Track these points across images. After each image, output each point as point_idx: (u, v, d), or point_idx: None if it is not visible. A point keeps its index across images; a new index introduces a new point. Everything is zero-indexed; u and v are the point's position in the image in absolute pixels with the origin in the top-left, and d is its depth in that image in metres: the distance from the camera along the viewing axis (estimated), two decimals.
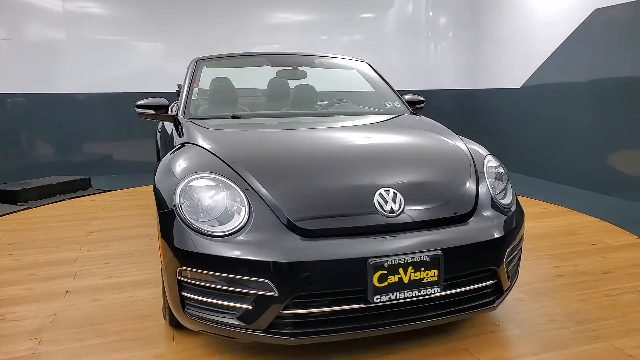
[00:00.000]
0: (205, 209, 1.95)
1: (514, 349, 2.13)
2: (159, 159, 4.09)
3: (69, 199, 5.45)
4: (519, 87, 6.62)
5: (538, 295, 2.67)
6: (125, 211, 4.75)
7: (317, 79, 3.37)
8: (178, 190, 2.01)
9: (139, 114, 3.04)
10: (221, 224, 1.91)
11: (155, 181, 2.23)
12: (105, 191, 5.86)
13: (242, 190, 1.95)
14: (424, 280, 1.87)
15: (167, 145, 3.12)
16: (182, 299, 1.95)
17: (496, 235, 2.04)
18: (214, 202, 1.95)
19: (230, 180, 1.99)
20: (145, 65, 6.97)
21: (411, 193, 2.02)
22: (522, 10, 6.56)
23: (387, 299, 1.84)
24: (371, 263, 1.80)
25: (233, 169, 2.06)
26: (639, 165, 5.01)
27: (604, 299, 2.62)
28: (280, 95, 3.31)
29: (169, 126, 3.19)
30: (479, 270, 2.01)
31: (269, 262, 1.78)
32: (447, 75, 7.90)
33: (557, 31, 5.88)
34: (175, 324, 2.28)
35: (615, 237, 3.69)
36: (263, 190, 1.95)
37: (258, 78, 3.58)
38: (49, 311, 2.57)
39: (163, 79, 6.51)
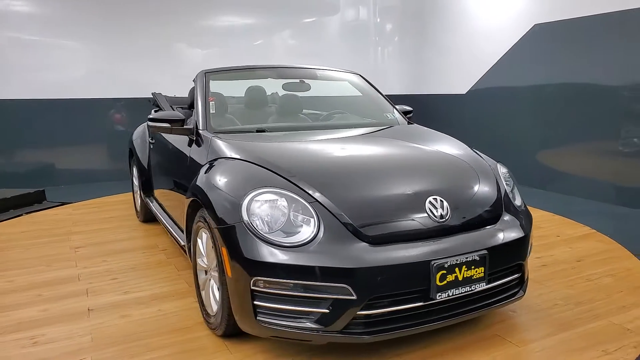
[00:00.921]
0: (273, 222, 2.07)
1: (536, 331, 2.44)
2: (140, 169, 4.05)
3: (26, 213, 5.15)
4: (464, 92, 7.17)
5: (533, 284, 3.03)
6: (100, 224, 4.60)
7: (318, 90, 3.54)
8: (244, 206, 2.11)
9: (152, 127, 3.04)
10: (288, 235, 2.04)
11: (208, 197, 2.29)
12: (63, 204, 5.58)
13: (309, 203, 2.09)
14: (474, 277, 2.12)
15: (176, 158, 3.14)
16: (254, 308, 2.05)
17: (523, 233, 2.34)
18: (281, 215, 2.07)
19: (294, 193, 2.12)
20: (79, 69, 6.65)
21: (453, 199, 2.27)
22: (466, 23, 7.10)
23: (446, 296, 2.07)
24: (434, 265, 2.02)
25: (292, 183, 2.19)
26: (572, 163, 5.68)
27: (587, 283, 3.04)
28: (290, 107, 3.44)
29: (178, 139, 3.20)
30: (511, 264, 2.30)
31: (349, 268, 1.94)
32: (394, 81, 8.32)
33: (500, 43, 6.46)
34: (228, 334, 2.35)
35: (573, 229, 4.21)
36: (327, 201, 2.10)
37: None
38: (81, 331, 2.53)
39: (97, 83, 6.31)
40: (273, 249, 2.01)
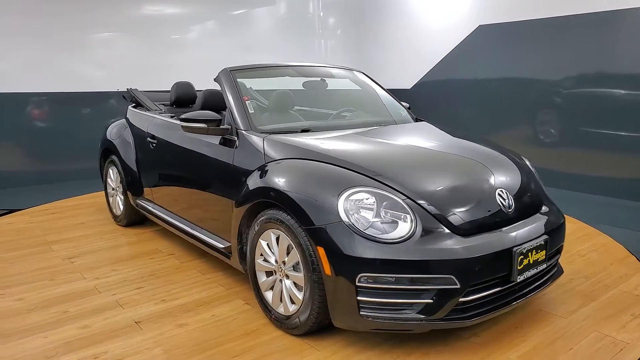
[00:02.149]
0: (370, 219, 2.15)
1: (571, 303, 2.77)
2: (125, 169, 3.86)
3: None
4: (409, 87, 7.58)
5: None
6: (76, 231, 4.26)
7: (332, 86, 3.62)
8: (341, 205, 2.16)
9: (185, 128, 2.93)
10: (386, 231, 2.14)
11: (291, 198, 2.30)
12: (11, 211, 5.05)
13: (402, 200, 2.20)
14: (539, 259, 2.38)
15: (205, 160, 3.04)
16: (358, 303, 2.12)
17: (564, 218, 2.66)
18: (377, 213, 2.16)
19: (386, 191, 2.22)
20: None
21: (513, 190, 2.50)
22: (411, 21, 7.49)
23: (523, 278, 2.30)
24: (516, 251, 2.23)
25: (379, 181, 2.27)
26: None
27: (582, 259, 3.48)
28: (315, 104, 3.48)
29: (198, 140, 3.09)
30: (558, 246, 2.60)
31: (454, 259, 2.09)
32: None
33: (446, 41, 6.92)
34: (310, 332, 2.38)
35: None
36: (417, 197, 2.23)
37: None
38: (146, 344, 2.41)
39: None
40: (377, 246, 2.09)
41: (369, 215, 2.16)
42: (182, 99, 4.31)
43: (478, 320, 2.19)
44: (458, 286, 2.09)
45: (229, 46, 7.37)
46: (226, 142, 2.91)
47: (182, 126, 2.96)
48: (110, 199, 4.50)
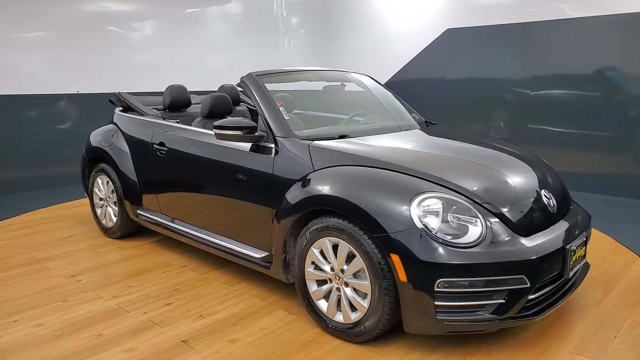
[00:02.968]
0: (443, 224, 2.19)
1: (595, 293, 2.96)
2: (121, 178, 3.74)
3: None
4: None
5: None
6: (66, 247, 3.96)
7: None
8: (414, 212, 2.19)
9: (219, 135, 2.83)
10: (458, 236, 2.19)
11: (357, 206, 2.29)
12: None
13: (471, 204, 2.26)
14: (581, 255, 2.54)
15: (233, 168, 2.95)
16: (435, 308, 2.16)
17: (591, 215, 2.84)
18: (449, 218, 2.21)
19: (454, 196, 2.27)
20: None
21: (552, 191, 2.64)
22: (377, 23, 7.62)
23: (572, 273, 2.44)
24: (569, 248, 2.37)
25: (444, 186, 2.32)
26: None
27: None
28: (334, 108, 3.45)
29: (230, 148, 2.98)
30: (588, 241, 2.78)
31: (524, 260, 2.17)
32: None
33: (414, 44, 7.11)
34: (374, 338, 2.39)
35: None
36: (483, 201, 2.29)
37: None
38: None
39: None
40: (454, 251, 2.14)
41: (441, 221, 2.20)
42: (177, 103, 4.14)
43: (544, 315, 2.29)
44: (528, 285, 2.18)
45: (184, 46, 7.05)
46: (261, 150, 2.84)
47: (216, 134, 2.85)
48: (99, 210, 4.22)
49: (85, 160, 4.24)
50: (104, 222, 4.19)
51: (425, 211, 2.20)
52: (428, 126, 3.53)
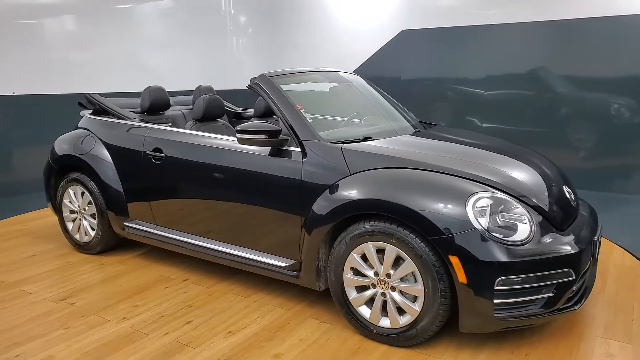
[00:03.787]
0: (497, 223, 2.23)
1: (614, 285, 3.18)
2: (103, 187, 3.47)
3: None
4: (327, 89, 7.71)
5: None
6: (36, 267, 3.56)
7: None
8: (470, 212, 2.21)
9: (243, 139, 2.68)
10: (510, 234, 2.24)
11: (409, 209, 2.27)
12: None
13: (518, 203, 2.32)
14: (599, 244, 2.71)
15: (252, 175, 2.81)
16: (494, 306, 2.19)
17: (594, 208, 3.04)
18: (501, 216, 2.26)
19: (502, 195, 2.32)
20: None
21: (570, 186, 2.79)
22: (329, 24, 7.63)
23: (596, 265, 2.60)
24: (596, 240, 2.51)
25: (491, 186, 2.36)
26: None
27: None
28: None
29: (246, 153, 2.84)
30: None
31: (573, 253, 2.27)
32: (251, 73, 8.29)
33: (369, 44, 7.21)
34: (423, 341, 2.39)
35: None
36: (527, 198, 2.37)
37: None
38: None
39: None
40: (510, 249, 2.19)
41: (494, 220, 2.24)
42: (156, 105, 3.87)
43: (582, 305, 2.41)
44: (573, 277, 2.28)
45: (124, 44, 6.60)
46: (283, 154, 2.72)
47: (239, 138, 2.70)
48: (70, 224, 3.84)
49: (52, 169, 3.84)
50: (77, 237, 3.82)
51: (480, 211, 2.23)
52: (426, 128, 3.58)
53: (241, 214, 2.91)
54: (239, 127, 2.70)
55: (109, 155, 3.54)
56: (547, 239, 2.29)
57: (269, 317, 2.76)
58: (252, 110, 4.52)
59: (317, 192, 2.59)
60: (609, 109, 5.51)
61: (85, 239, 3.76)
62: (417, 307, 2.34)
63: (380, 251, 2.42)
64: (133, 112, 3.86)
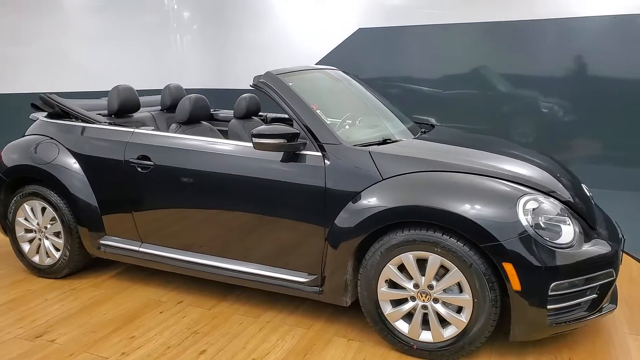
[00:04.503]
0: (545, 226, 2.15)
1: None
2: (71, 201, 3.04)
3: None
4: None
5: None
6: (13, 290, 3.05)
7: None
8: (522, 217, 2.11)
9: (260, 144, 2.42)
10: (556, 237, 2.17)
11: (458, 215, 2.13)
12: None
13: (560, 204, 2.26)
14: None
15: (275, 184, 2.54)
16: (547, 312, 2.11)
17: None
18: (546, 219, 2.18)
19: (545, 197, 2.24)
20: None
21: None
22: (282, 22, 7.38)
23: None
24: (622, 237, 2.52)
25: (532, 187, 2.28)
26: None
27: None
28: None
29: (258, 159, 2.57)
30: None
31: (611, 253, 2.24)
32: (197, 72, 7.86)
33: (325, 43, 7.05)
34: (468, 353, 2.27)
35: None
36: (565, 199, 2.32)
37: None
38: None
39: None
40: (561, 252, 2.11)
41: (542, 223, 2.16)
42: (126, 107, 3.47)
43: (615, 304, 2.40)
44: (614, 277, 2.26)
45: (48, 39, 5.93)
46: (300, 159, 2.49)
47: (256, 143, 2.42)
48: (26, 246, 3.32)
49: (1, 183, 3.29)
50: (36, 259, 3.31)
51: (531, 214, 2.14)
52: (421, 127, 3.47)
53: (251, 226, 2.63)
54: (255, 131, 2.42)
55: (77, 165, 3.09)
56: (589, 240, 2.25)
57: (290, 339, 2.51)
58: (226, 112, 4.22)
59: (343, 200, 2.38)
60: (548, 106, 5.76)
61: (48, 261, 3.27)
62: (463, 318, 2.21)
63: (419, 261, 2.26)
64: (99, 114, 3.41)
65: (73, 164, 3.10)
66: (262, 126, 2.47)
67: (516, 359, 2.31)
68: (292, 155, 2.51)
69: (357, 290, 2.42)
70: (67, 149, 3.14)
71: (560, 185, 2.46)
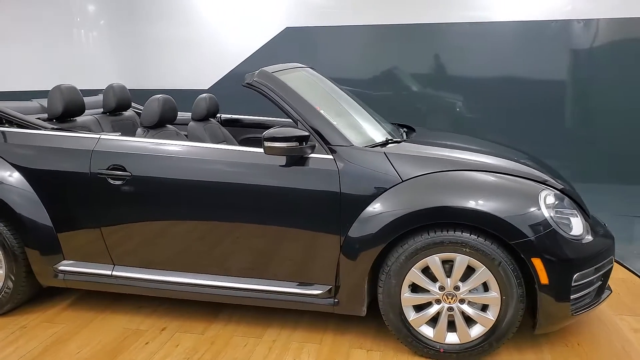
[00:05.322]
0: (563, 220, 2.23)
1: None
2: (23, 222, 2.60)
3: None
4: (207, 87, 7.10)
5: None
6: None
7: None
8: (545, 212, 2.16)
9: (271, 148, 2.22)
10: (567, 230, 2.24)
11: (488, 214, 2.12)
12: None
13: (568, 198, 2.35)
14: None
15: (280, 191, 2.35)
16: (570, 302, 2.19)
17: None
18: (564, 213, 2.26)
19: (558, 190, 2.32)
20: None
21: None
22: (204, 19, 6.99)
23: None
24: (604, 224, 2.71)
25: (544, 182, 2.34)
26: None
27: None
28: None
29: (259, 164, 2.35)
30: None
31: (611, 241, 2.39)
32: (108, 71, 7.17)
33: (251, 41, 6.80)
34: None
35: None
36: (569, 193, 2.42)
37: None
38: None
39: None
40: (580, 244, 2.20)
41: (560, 216, 2.22)
42: (70, 110, 3.02)
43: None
44: (612, 264, 2.42)
45: None
46: (306, 163, 2.32)
47: (267, 147, 2.21)
48: None
49: None
50: None
51: (552, 210, 2.19)
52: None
53: (253, 238, 2.40)
54: (266, 135, 2.21)
55: (23, 180, 2.60)
56: (593, 230, 2.36)
57: (306, 357, 2.33)
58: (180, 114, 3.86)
59: (360, 205, 2.26)
60: (459, 104, 6.12)
61: None
62: (491, 316, 2.21)
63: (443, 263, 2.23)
64: (39, 119, 2.92)
65: (16, 179, 2.61)
66: (273, 129, 2.26)
67: (534, 350, 2.37)
68: (297, 160, 2.34)
69: (379, 298, 2.31)
70: (5, 161, 2.63)
71: (551, 178, 2.57)
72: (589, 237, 2.28)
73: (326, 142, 2.34)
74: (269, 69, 2.55)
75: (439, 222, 2.19)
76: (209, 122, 3.46)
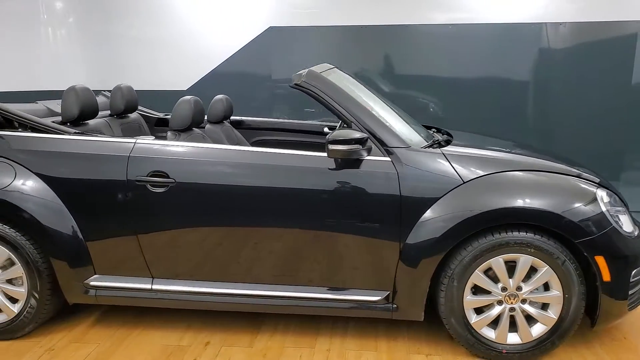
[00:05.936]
0: (617, 217, 2.27)
1: None
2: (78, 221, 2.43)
3: None
4: (185, 89, 6.86)
5: None
6: None
7: None
8: (604, 210, 2.20)
9: (336, 151, 2.15)
10: (621, 227, 2.30)
11: (559, 216, 2.14)
12: None
13: (616, 195, 2.41)
14: None
15: (339, 194, 2.27)
16: (628, 298, 2.24)
17: None
18: (615, 210, 2.30)
19: (608, 189, 2.37)
20: None
21: None
22: (182, 18, 6.73)
23: None
24: None
25: (591, 181, 2.38)
26: None
27: None
28: None
29: (314, 168, 2.27)
30: None
31: None
32: (79, 71, 6.79)
33: (233, 40, 6.62)
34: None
35: None
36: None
37: None
38: None
39: None
40: (633, 240, 2.25)
41: (614, 213, 2.27)
42: (86, 113, 2.82)
43: None
44: None
45: None
46: (361, 166, 2.26)
47: (331, 150, 2.13)
48: None
49: None
50: None
51: (609, 207, 2.24)
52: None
53: (309, 245, 2.31)
54: (330, 138, 2.13)
55: (48, 189, 2.39)
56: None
57: None
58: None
59: (420, 208, 2.22)
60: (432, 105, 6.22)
61: (0, 318, 2.49)
62: (553, 315, 2.23)
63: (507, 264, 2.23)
64: (54, 122, 2.70)
65: (41, 188, 2.39)
66: (336, 132, 2.18)
67: (583, 342, 2.41)
68: (352, 162, 2.27)
69: (440, 302, 2.28)
70: (27, 169, 2.41)
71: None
72: (636, 233, 2.35)
73: (382, 144, 2.29)
74: (318, 68, 2.47)
75: (505, 223, 2.19)
76: (224, 125, 3.33)
